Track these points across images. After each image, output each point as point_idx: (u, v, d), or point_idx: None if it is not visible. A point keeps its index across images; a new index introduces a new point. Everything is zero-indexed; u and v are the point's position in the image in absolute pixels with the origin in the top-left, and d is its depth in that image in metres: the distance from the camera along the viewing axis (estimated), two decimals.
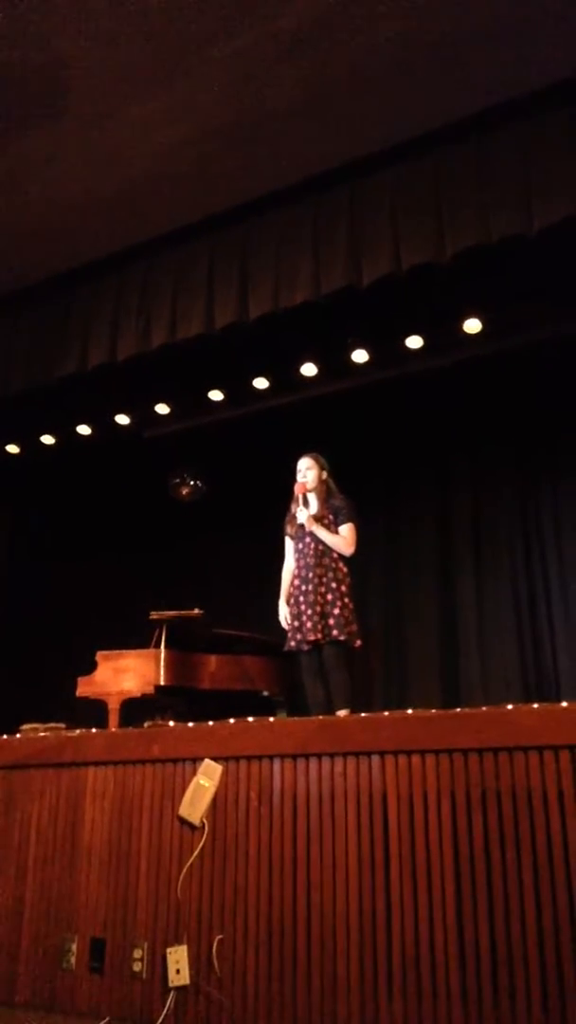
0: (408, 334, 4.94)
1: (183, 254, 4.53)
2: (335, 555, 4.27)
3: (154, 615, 4.69)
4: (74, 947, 3.15)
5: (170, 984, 2.90)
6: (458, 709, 2.95)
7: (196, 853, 3.04)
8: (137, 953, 3.02)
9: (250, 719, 3.22)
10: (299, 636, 4.16)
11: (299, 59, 3.60)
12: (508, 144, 3.75)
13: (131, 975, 3.01)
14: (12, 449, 5.85)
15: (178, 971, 2.91)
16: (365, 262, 3.97)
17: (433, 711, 2.96)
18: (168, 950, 2.95)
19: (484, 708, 2.91)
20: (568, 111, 3.66)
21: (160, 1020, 2.87)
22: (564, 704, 2.74)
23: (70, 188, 4.31)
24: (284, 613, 4.34)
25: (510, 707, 2.81)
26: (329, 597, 4.16)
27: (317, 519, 4.30)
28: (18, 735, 3.71)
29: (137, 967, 3.00)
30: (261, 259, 4.26)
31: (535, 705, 2.82)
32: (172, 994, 2.90)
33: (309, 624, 4.11)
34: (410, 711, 2.96)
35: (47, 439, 5.90)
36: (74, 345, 4.72)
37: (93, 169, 4.19)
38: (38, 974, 3.20)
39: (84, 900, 3.21)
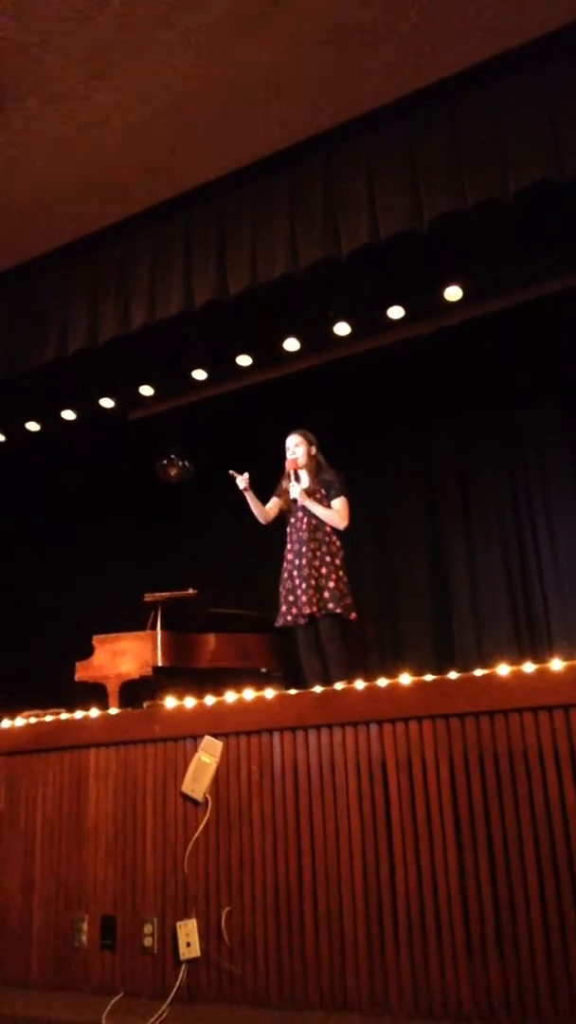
0: (389, 304, 4.92)
1: (158, 232, 4.48)
2: (328, 529, 4.28)
3: (148, 597, 4.70)
4: (85, 926, 3.19)
5: (181, 957, 2.95)
6: (453, 674, 2.98)
7: (201, 828, 3.08)
8: (147, 928, 3.06)
9: (248, 695, 3.24)
10: (295, 611, 4.17)
11: (268, 28, 3.54)
12: (481, 108, 3.71)
13: (142, 950, 3.05)
14: None
15: (188, 944, 2.96)
16: (343, 233, 3.93)
17: (429, 677, 2.99)
18: (178, 924, 3.00)
19: (478, 672, 2.93)
20: (539, 72, 3.63)
21: (173, 993, 2.92)
22: (556, 666, 2.76)
23: (39, 170, 4.25)
24: None
25: (503, 670, 2.84)
26: (324, 571, 4.18)
27: (309, 493, 4.31)
28: (18, 721, 3.73)
29: (148, 942, 3.05)
30: (238, 234, 4.22)
31: (528, 668, 2.84)
32: (184, 967, 2.95)
33: (304, 598, 4.13)
34: (406, 680, 2.99)
35: (32, 426, 5.87)
36: (53, 330, 4.66)
37: (61, 150, 4.13)
38: (51, 954, 3.25)
39: (93, 879, 3.25)
